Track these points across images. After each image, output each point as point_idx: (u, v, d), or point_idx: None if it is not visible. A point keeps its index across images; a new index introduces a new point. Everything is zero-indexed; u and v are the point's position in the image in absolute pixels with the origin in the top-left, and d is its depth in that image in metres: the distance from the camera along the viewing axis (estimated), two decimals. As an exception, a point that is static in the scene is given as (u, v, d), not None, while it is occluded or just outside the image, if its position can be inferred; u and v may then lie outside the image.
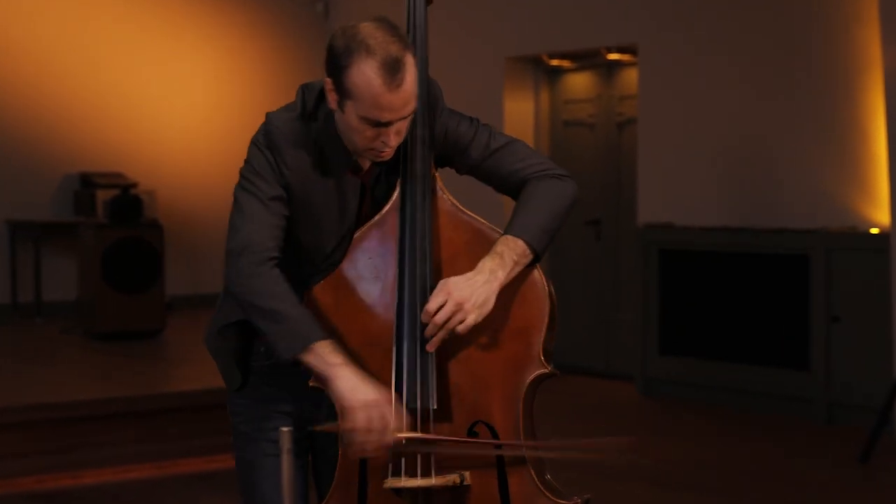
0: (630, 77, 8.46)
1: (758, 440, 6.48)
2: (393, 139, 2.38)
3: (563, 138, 8.96)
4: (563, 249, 8.85)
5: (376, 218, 2.49)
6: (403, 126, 2.39)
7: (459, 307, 2.35)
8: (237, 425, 2.65)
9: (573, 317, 8.49)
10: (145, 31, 9.97)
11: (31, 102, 9.49)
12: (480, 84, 9.03)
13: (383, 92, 2.31)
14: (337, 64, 2.35)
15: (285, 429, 2.32)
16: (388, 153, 2.43)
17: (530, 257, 2.46)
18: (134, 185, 8.99)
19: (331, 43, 2.38)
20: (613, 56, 8.50)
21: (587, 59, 8.75)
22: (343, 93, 2.36)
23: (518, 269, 2.44)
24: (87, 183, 9.38)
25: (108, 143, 9.78)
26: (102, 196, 8.98)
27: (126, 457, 5.68)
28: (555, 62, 8.92)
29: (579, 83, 8.89)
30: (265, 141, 2.47)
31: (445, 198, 2.49)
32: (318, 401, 2.47)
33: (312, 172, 2.47)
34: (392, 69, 2.31)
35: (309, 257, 2.52)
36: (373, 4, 10.22)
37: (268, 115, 2.51)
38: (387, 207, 2.48)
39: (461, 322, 2.35)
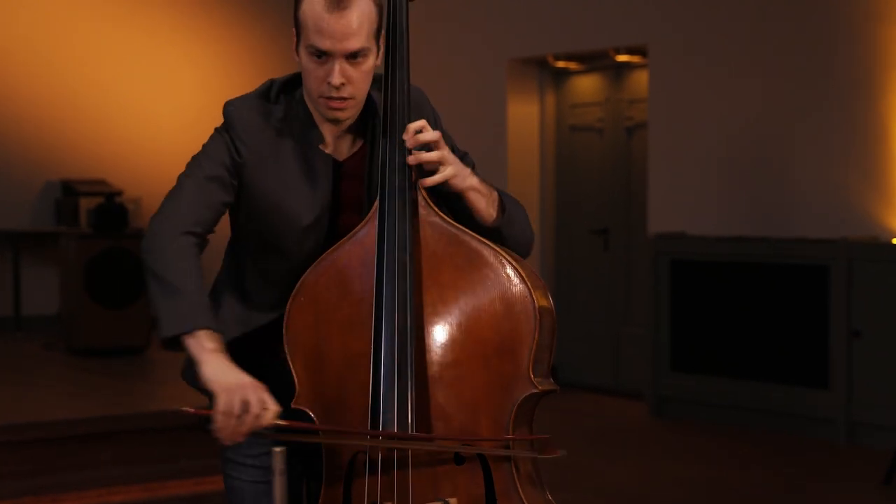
0: (640, 79, 8.46)
1: (775, 461, 6.47)
2: (337, 78, 2.41)
3: (569, 144, 8.97)
4: (570, 260, 8.85)
5: (355, 230, 2.48)
6: (355, 75, 2.43)
7: (444, 151, 2.44)
8: (223, 451, 2.66)
9: (580, 330, 8.49)
10: (130, 32, 9.98)
11: (11, 105, 9.49)
12: (482, 87, 9.04)
13: (323, 14, 2.39)
14: (295, 3, 2.45)
15: (278, 449, 2.31)
16: (342, 107, 2.46)
17: (494, 213, 2.50)
18: (119, 193, 8.99)
19: None
20: (622, 57, 8.51)
21: (595, 60, 8.75)
22: (297, 30, 2.46)
23: (483, 201, 2.48)
24: (70, 191, 9.38)
25: (92, 148, 9.79)
26: (86, 204, 8.98)
27: (111, 479, 5.67)
28: (561, 64, 8.93)
29: (586, 86, 8.89)
30: (223, 125, 2.55)
31: (429, 208, 2.48)
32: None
33: (273, 147, 2.51)
34: None
35: (282, 233, 2.53)
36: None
37: (226, 101, 2.58)
38: (366, 218, 2.48)
39: (439, 157, 2.43)
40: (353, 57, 2.42)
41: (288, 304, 2.48)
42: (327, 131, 2.53)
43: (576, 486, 5.75)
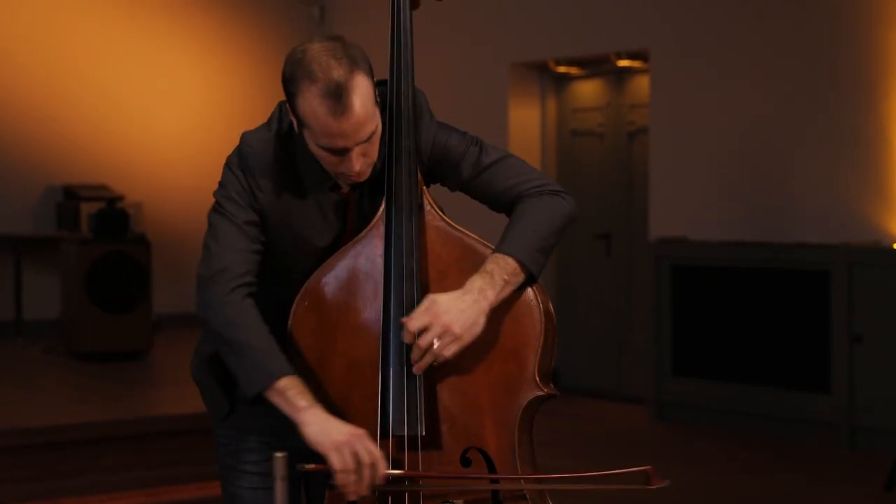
0: (641, 84, 8.46)
1: (776, 467, 6.47)
2: (357, 164, 2.38)
3: (570, 148, 8.97)
4: (571, 265, 8.85)
5: (360, 234, 2.49)
6: (370, 149, 2.40)
7: (446, 330, 2.33)
8: (221, 457, 2.67)
9: (582, 336, 8.48)
10: (132, 38, 9.98)
11: (12, 110, 9.50)
12: (484, 91, 9.04)
13: (330, 121, 2.31)
14: (287, 91, 2.38)
15: (279, 454, 2.31)
16: (361, 176, 2.43)
17: (522, 277, 2.42)
18: (120, 198, 8.99)
19: (283, 68, 2.39)
20: (624, 62, 8.51)
21: (596, 65, 8.76)
22: (298, 121, 2.39)
23: (509, 288, 2.41)
24: (71, 195, 9.39)
25: (93, 153, 9.79)
26: (87, 209, 8.99)
27: (112, 483, 5.67)
28: (562, 69, 8.93)
29: (588, 91, 8.90)
30: (238, 162, 2.49)
31: (434, 212, 2.49)
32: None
33: (288, 193, 2.48)
34: (335, 96, 2.30)
35: (291, 277, 2.53)
36: (369, 7, 10.24)
37: (243, 134, 2.52)
38: (372, 223, 2.48)
39: (448, 346, 2.34)
40: (367, 139, 2.38)
41: (292, 307, 2.48)
42: None
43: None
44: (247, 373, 2.36)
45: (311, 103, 2.32)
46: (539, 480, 2.42)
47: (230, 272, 2.42)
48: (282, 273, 2.55)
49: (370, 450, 2.29)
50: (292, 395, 2.34)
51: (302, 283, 2.51)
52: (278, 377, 2.34)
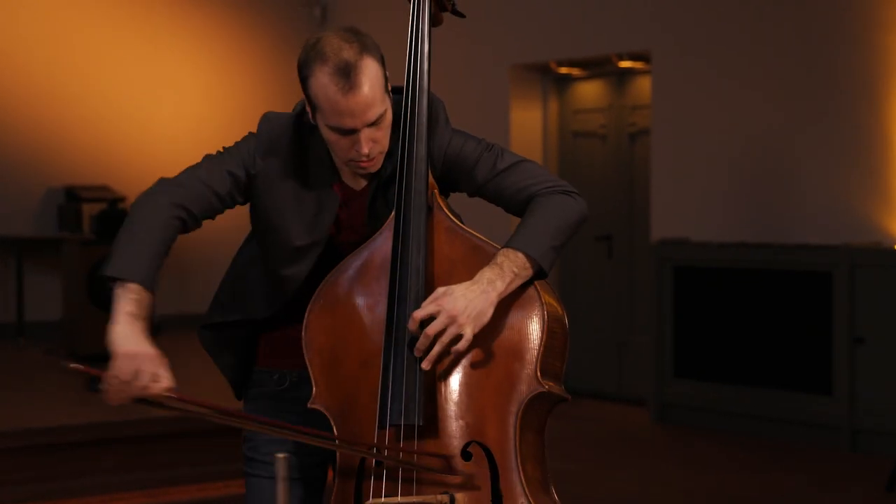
0: (643, 85, 8.47)
1: (777, 468, 6.47)
2: (366, 147, 2.45)
3: (572, 150, 8.97)
4: (573, 266, 8.85)
5: (373, 237, 2.55)
6: (379, 135, 2.47)
7: (453, 320, 2.37)
8: (245, 451, 2.75)
9: (583, 337, 8.49)
10: (132, 38, 9.99)
11: (13, 111, 9.51)
12: (485, 93, 9.05)
13: (338, 98, 2.40)
14: (301, 76, 2.47)
15: (281, 455, 2.33)
16: (371, 165, 2.51)
17: (531, 272, 2.47)
18: (122, 199, 9.00)
19: (298, 57, 2.49)
20: (625, 64, 8.52)
21: (598, 66, 8.76)
22: (311, 105, 2.48)
23: (518, 282, 2.45)
24: (73, 197, 9.40)
25: (95, 154, 9.80)
26: (88, 210, 9.00)
27: (113, 485, 5.68)
28: (563, 70, 8.93)
29: (589, 92, 8.90)
30: (256, 132, 2.61)
31: (443, 214, 2.54)
32: (320, 427, 2.49)
33: (287, 175, 2.56)
34: (344, 73, 2.40)
35: (271, 249, 2.60)
36: (370, 8, 10.23)
37: (267, 112, 2.64)
38: (384, 226, 2.54)
39: (455, 335, 2.37)
40: (375, 123, 2.45)
41: (308, 308, 2.55)
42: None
43: (578, 492, 5.74)
44: (118, 257, 2.41)
45: (322, 81, 2.41)
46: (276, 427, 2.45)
47: (178, 194, 2.49)
48: (262, 260, 2.64)
49: (156, 373, 2.31)
50: (130, 300, 2.38)
51: (279, 277, 2.60)
52: (135, 281, 2.38)
